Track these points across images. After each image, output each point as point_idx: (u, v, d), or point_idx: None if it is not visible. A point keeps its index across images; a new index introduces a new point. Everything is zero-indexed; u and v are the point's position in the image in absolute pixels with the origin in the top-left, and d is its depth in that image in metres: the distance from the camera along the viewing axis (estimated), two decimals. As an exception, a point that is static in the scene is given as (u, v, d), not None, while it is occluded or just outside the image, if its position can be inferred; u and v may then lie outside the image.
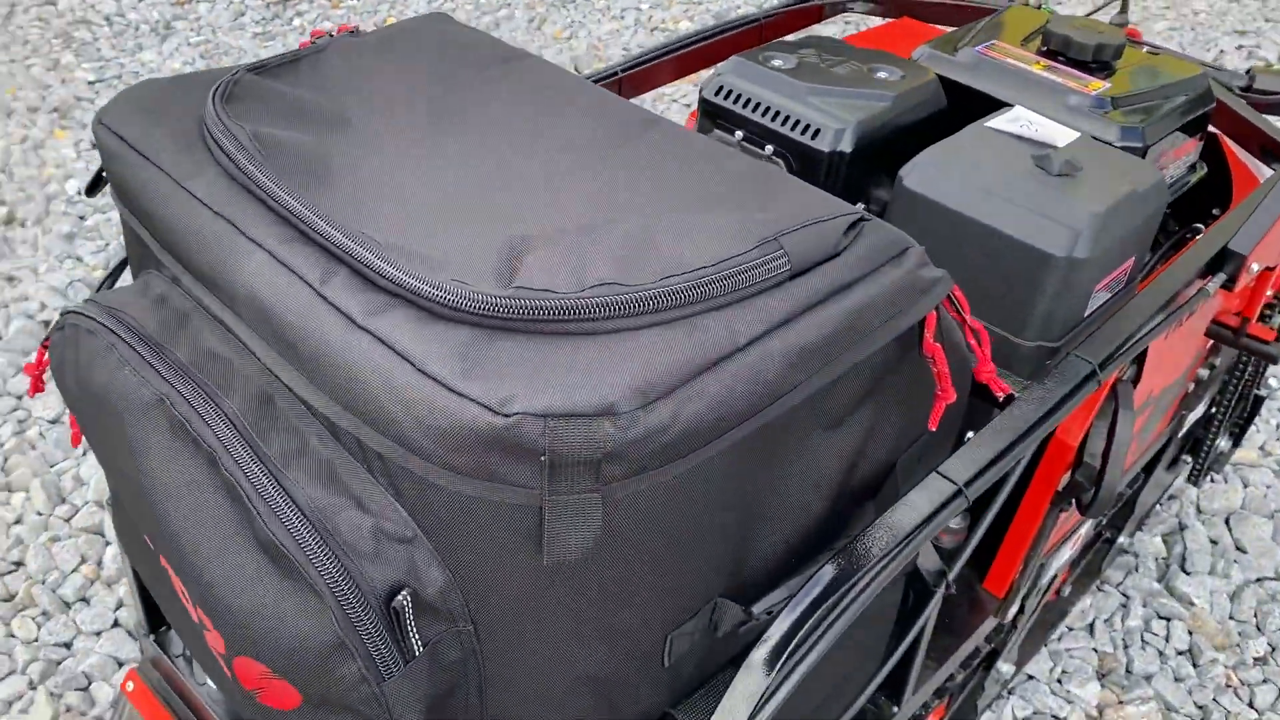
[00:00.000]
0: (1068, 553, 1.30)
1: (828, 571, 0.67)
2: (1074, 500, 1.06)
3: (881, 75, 1.03)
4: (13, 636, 1.47)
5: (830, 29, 2.95)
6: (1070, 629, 1.61)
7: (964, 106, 1.06)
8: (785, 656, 0.64)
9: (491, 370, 0.52)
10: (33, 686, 1.41)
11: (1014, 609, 1.18)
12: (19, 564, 1.58)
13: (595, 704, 0.64)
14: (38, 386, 0.76)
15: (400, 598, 0.54)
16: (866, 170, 0.98)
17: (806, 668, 0.64)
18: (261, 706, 0.61)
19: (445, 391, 0.51)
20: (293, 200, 0.61)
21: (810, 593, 0.66)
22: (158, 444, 0.61)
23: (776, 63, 1.03)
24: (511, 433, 0.50)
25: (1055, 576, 1.32)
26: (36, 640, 1.47)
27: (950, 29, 1.24)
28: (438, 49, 0.83)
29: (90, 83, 2.86)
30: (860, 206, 0.74)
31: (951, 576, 0.91)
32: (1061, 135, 0.95)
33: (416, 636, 0.56)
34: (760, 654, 0.64)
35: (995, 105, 1.03)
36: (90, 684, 1.42)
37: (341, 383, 0.55)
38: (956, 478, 0.74)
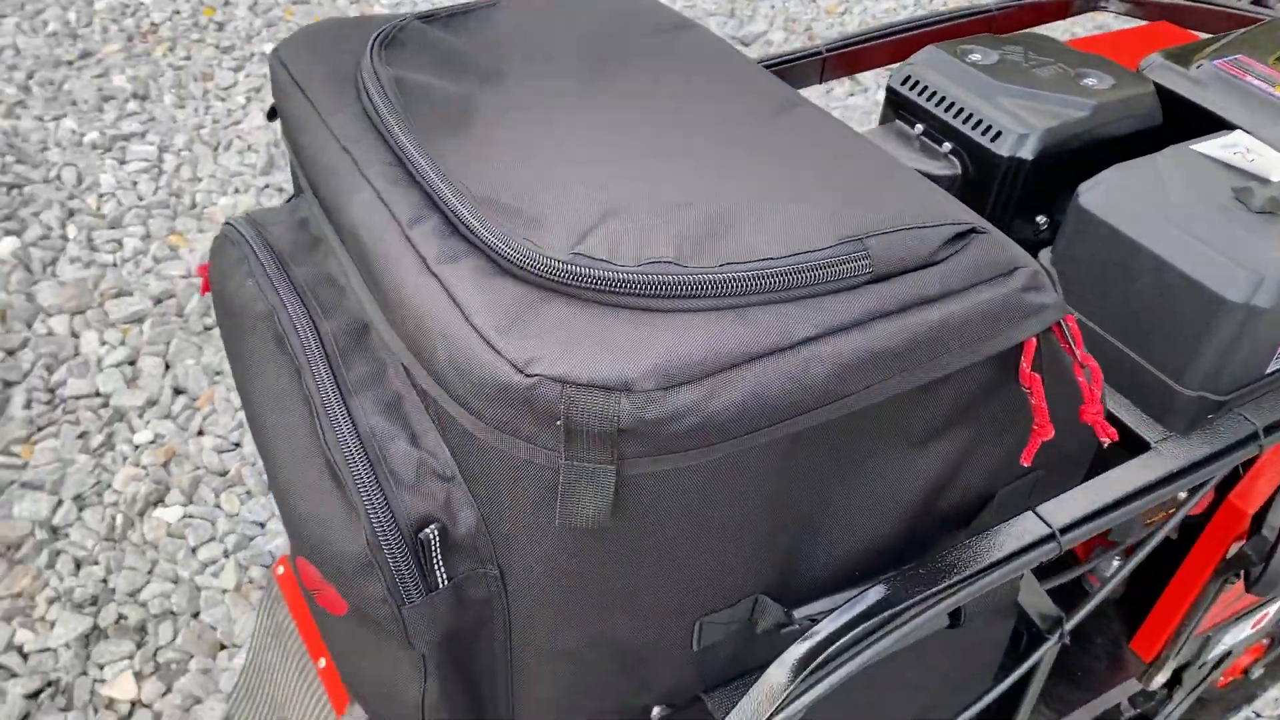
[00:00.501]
0: (1249, 630, 1.18)
1: (878, 590, 0.65)
2: (1242, 573, 0.96)
3: (1089, 82, 0.95)
4: (219, 508, 1.65)
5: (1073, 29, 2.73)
6: (1258, 715, 1.46)
7: (1188, 125, 0.96)
8: (815, 665, 0.62)
9: (530, 330, 0.53)
10: (226, 555, 1.58)
11: (1162, 676, 1.08)
12: (237, 445, 1.76)
13: (617, 669, 0.64)
14: (207, 287, 0.84)
15: (429, 530, 0.57)
16: (1050, 182, 0.91)
17: (837, 679, 0.62)
18: (319, 608, 0.66)
19: (482, 344, 0.53)
20: (409, 144, 0.64)
21: (855, 607, 0.64)
22: (261, 352, 0.67)
23: (974, 57, 0.97)
24: (531, 393, 0.51)
25: (1230, 653, 1.20)
26: (237, 515, 1.64)
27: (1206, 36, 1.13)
28: (607, 14, 0.84)
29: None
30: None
31: (1068, 627, 0.85)
32: None
33: (441, 570, 0.58)
34: (792, 655, 0.63)
35: (1224, 127, 0.93)
36: (271, 562, 1.57)
37: (409, 323, 0.58)
38: (1053, 521, 0.69)
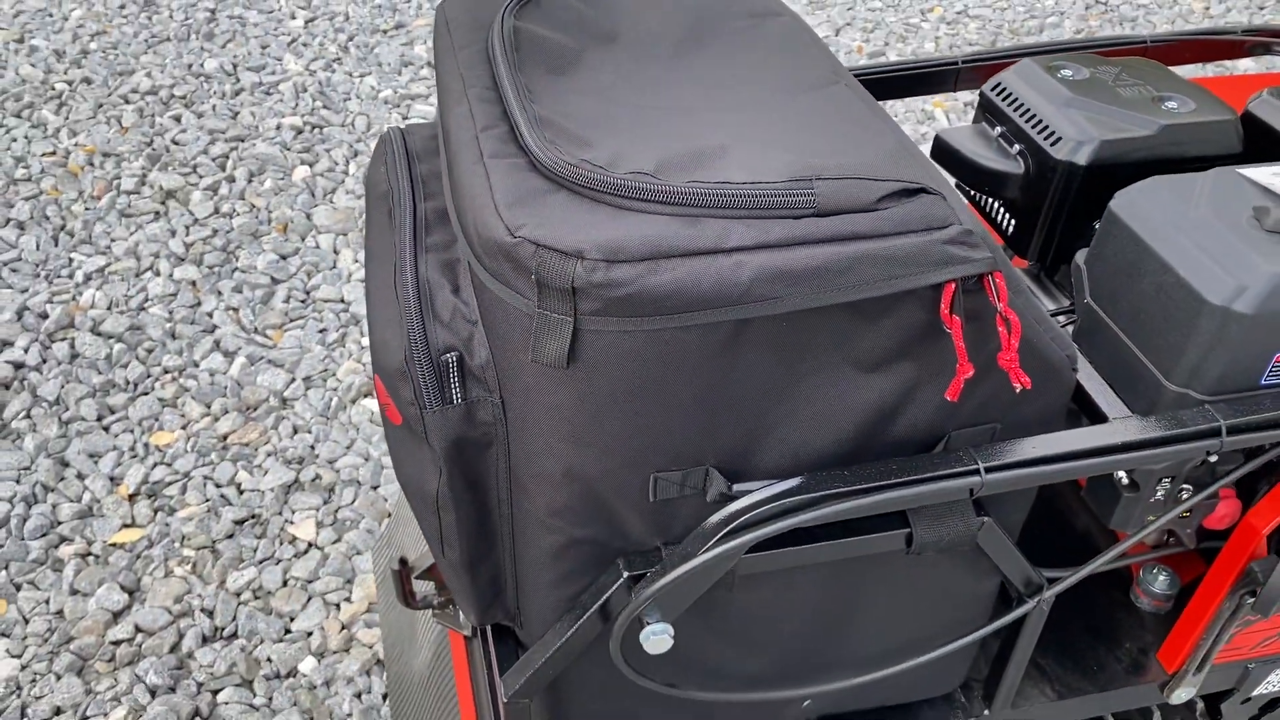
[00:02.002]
0: None
1: (803, 479, 0.77)
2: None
3: (1169, 105, 1.01)
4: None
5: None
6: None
7: (1276, 157, 1.00)
8: (735, 525, 0.76)
9: (530, 208, 0.71)
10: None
11: (1184, 692, 1.11)
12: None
13: (591, 503, 0.80)
14: None
15: (449, 355, 0.76)
16: (1106, 190, 0.98)
17: (749, 538, 0.75)
18: (387, 420, 0.87)
19: (493, 212, 0.71)
20: (504, 73, 0.84)
21: (777, 488, 0.77)
22: (376, 221, 0.88)
23: (1065, 72, 1.05)
24: (514, 250, 0.69)
25: None
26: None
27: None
28: None
29: None
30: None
31: (1048, 594, 0.93)
32: None
33: (457, 389, 0.77)
34: (719, 514, 0.77)
35: None
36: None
37: (460, 199, 0.77)
38: (981, 458, 0.78)
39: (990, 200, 1.08)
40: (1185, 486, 0.94)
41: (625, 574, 0.82)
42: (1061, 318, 1.02)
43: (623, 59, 0.91)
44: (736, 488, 0.80)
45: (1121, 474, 0.93)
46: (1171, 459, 0.83)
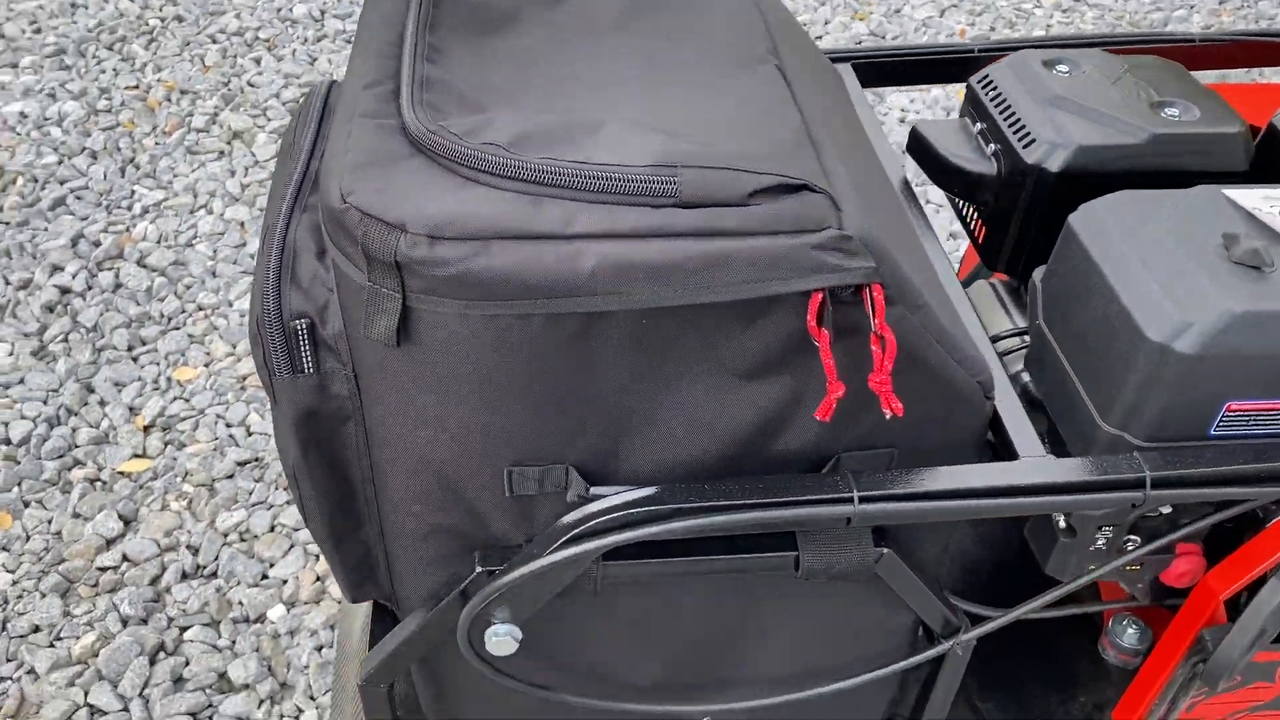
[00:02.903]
0: None
1: (658, 490, 0.71)
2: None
3: (1169, 112, 0.90)
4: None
5: None
6: None
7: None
8: (581, 531, 0.71)
9: (373, 173, 0.66)
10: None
11: None
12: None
13: (446, 490, 0.76)
14: None
15: (298, 322, 0.72)
16: (1081, 201, 0.88)
17: (593, 547, 0.70)
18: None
19: (336, 175, 0.67)
20: (410, 29, 0.79)
21: (627, 496, 0.71)
22: (277, 176, 0.85)
23: (1061, 68, 0.95)
24: (343, 216, 0.65)
25: None
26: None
27: None
28: None
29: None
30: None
31: (964, 638, 0.86)
32: None
33: (308, 358, 0.73)
34: (569, 518, 0.72)
35: None
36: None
37: (324, 159, 0.73)
38: (859, 485, 0.71)
39: (964, 204, 0.99)
40: (1131, 538, 0.84)
41: (479, 568, 0.78)
42: (1016, 339, 0.93)
43: (561, 24, 0.85)
44: (594, 491, 0.74)
45: (1060, 517, 0.84)
46: (1089, 508, 0.74)
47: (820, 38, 3.18)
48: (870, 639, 0.90)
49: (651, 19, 0.86)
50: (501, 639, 0.76)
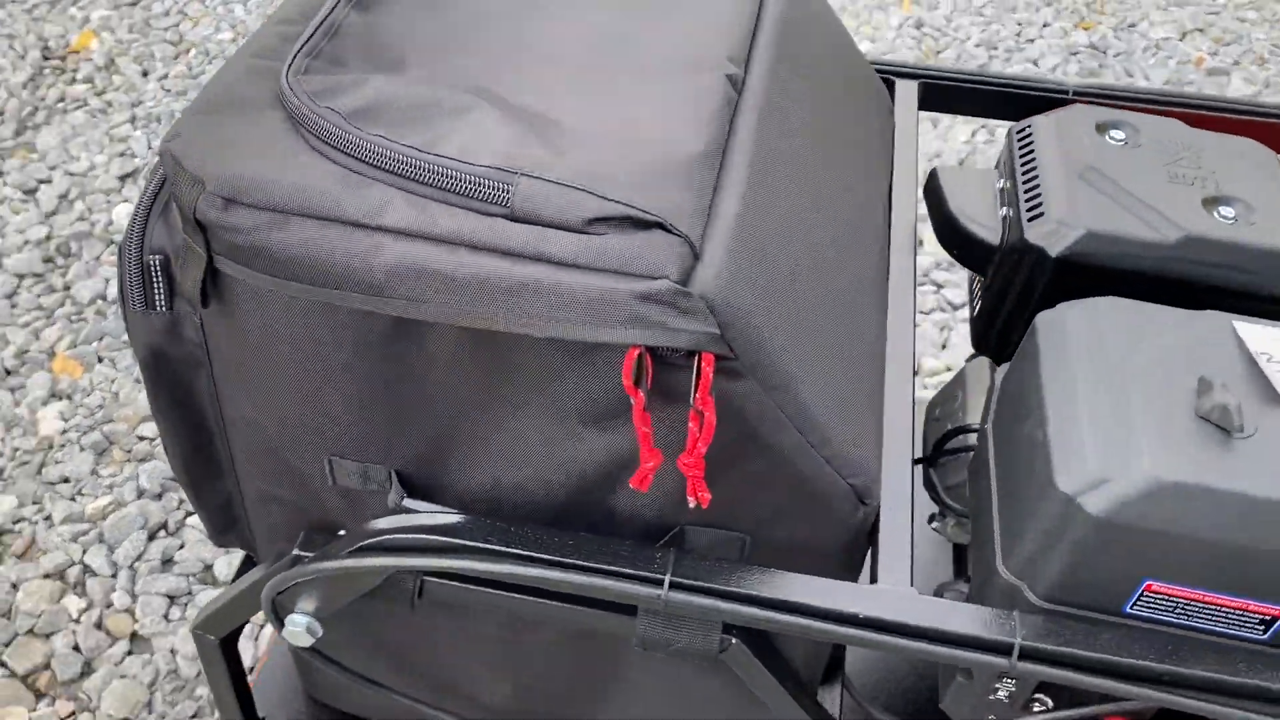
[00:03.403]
0: None
1: (455, 519, 0.65)
2: None
3: (1222, 211, 0.74)
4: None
5: None
6: None
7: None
8: (359, 546, 0.65)
9: (214, 119, 0.62)
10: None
11: None
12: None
13: (274, 461, 0.72)
14: None
15: (153, 258, 0.69)
16: (1079, 294, 0.74)
17: (375, 565, 0.65)
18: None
19: (184, 113, 0.63)
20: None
21: (419, 519, 0.65)
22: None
23: (1116, 133, 0.80)
24: (162, 158, 0.60)
25: None
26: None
27: None
28: None
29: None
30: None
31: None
32: None
33: (162, 297, 0.70)
34: (365, 527, 0.66)
35: None
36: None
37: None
38: (665, 569, 0.62)
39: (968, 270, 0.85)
40: (1039, 697, 0.71)
41: (295, 550, 0.73)
42: (974, 437, 0.80)
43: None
44: (407, 502, 0.68)
45: None
46: (944, 660, 0.62)
47: (1032, 40, 2.92)
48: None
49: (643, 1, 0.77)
50: (297, 630, 0.72)
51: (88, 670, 1.37)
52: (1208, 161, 0.78)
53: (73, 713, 1.33)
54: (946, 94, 1.02)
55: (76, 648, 1.39)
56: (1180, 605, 0.61)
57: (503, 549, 0.63)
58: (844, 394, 0.65)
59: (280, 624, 0.73)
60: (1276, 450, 0.58)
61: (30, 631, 1.40)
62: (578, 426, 0.64)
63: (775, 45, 0.76)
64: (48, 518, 1.53)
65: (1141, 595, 0.61)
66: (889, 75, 1.01)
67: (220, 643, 0.82)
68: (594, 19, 0.74)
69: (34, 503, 1.55)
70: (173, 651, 1.39)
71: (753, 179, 0.64)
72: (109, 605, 1.43)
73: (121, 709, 1.33)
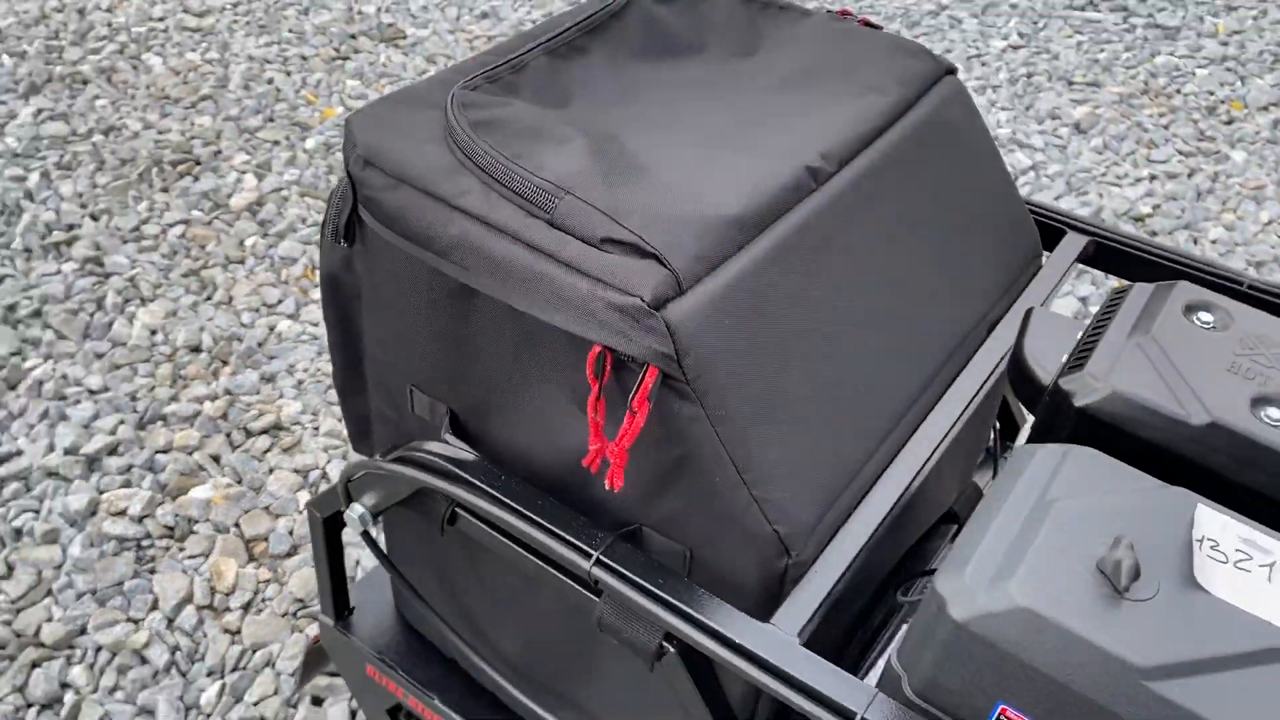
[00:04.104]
0: None
1: (467, 456, 0.79)
2: None
3: (1269, 413, 0.72)
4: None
5: None
6: None
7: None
8: (400, 455, 0.81)
9: (402, 104, 0.82)
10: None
11: None
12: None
13: (382, 383, 0.90)
14: None
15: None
16: (1103, 448, 0.75)
17: (403, 473, 0.80)
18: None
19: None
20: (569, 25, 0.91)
21: (444, 449, 0.80)
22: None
23: (1203, 315, 0.80)
24: (345, 125, 0.81)
25: None
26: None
27: None
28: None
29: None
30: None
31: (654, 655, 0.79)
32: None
33: (344, 233, 0.91)
34: (406, 446, 0.83)
35: None
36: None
37: None
38: (597, 543, 0.72)
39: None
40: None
41: (376, 455, 0.91)
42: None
43: (724, 76, 0.92)
44: (446, 436, 0.84)
45: None
46: (802, 710, 0.67)
47: None
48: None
49: (816, 85, 0.89)
50: (354, 516, 0.89)
51: (292, 552, 1.65)
52: (1287, 363, 0.76)
53: (268, 580, 1.61)
54: (1116, 256, 1.03)
55: (291, 533, 1.67)
56: (1029, 742, 0.62)
57: (487, 488, 0.77)
58: (802, 460, 0.72)
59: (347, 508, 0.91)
60: (1159, 623, 0.59)
61: (266, 509, 1.71)
62: (577, 411, 0.76)
63: (892, 152, 0.85)
64: (316, 428, 1.85)
65: (998, 718, 0.63)
66: (1060, 224, 1.04)
67: (324, 521, 1.01)
68: (744, 104, 0.87)
69: (312, 413, 1.88)
70: (357, 562, 1.63)
71: (784, 252, 0.74)
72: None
73: (301, 590, 1.59)
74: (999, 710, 0.63)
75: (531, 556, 0.81)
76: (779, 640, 0.68)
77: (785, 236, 0.75)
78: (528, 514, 0.75)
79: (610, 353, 0.68)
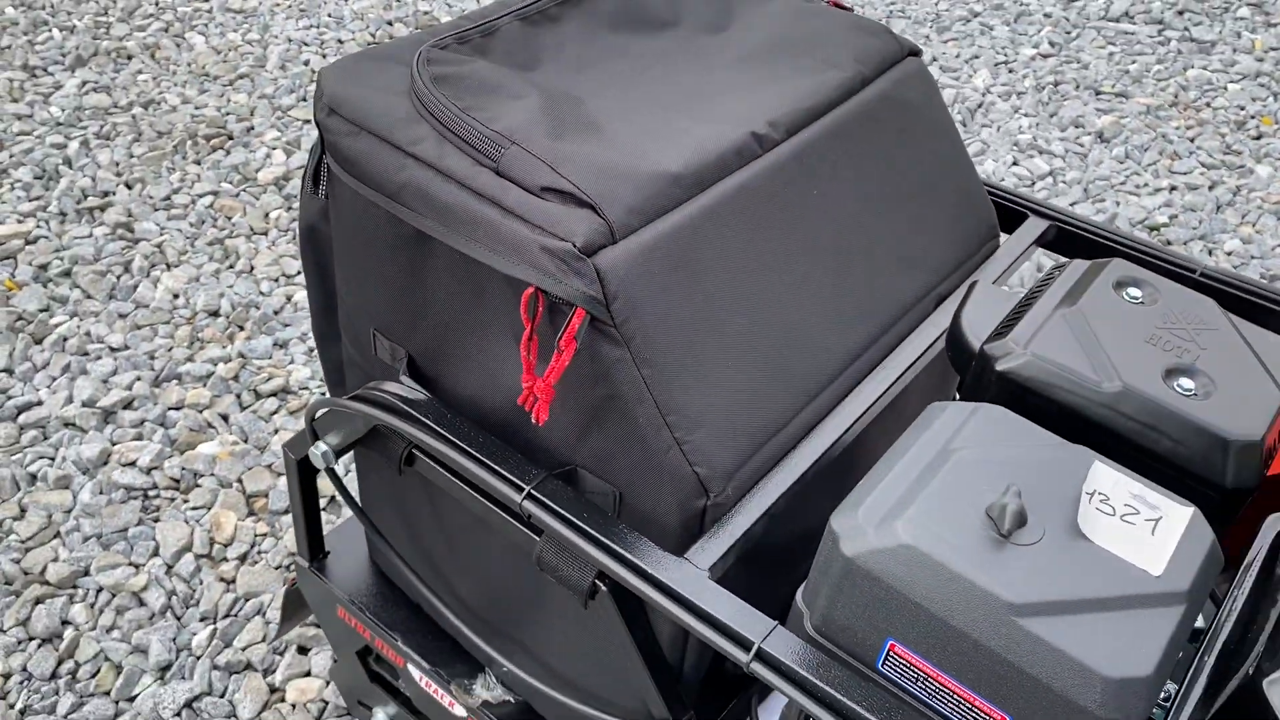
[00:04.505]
0: None
1: (418, 396, 0.83)
2: None
3: (1181, 383, 0.74)
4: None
5: None
6: None
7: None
8: (356, 394, 0.86)
9: (372, 59, 0.87)
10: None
11: None
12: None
13: (350, 328, 0.95)
14: None
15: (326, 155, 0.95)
16: (1022, 410, 0.77)
17: (360, 409, 0.85)
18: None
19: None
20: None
21: (398, 389, 0.84)
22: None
23: (1132, 291, 0.82)
24: (318, 76, 0.85)
25: None
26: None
27: None
28: None
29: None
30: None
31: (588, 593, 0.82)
32: (1168, 521, 0.63)
33: (322, 185, 0.95)
34: (366, 386, 0.87)
35: None
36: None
37: None
38: (529, 478, 0.76)
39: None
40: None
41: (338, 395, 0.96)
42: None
43: (688, 51, 0.96)
44: (403, 378, 0.88)
45: None
46: (698, 633, 0.70)
47: None
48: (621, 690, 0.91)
49: (777, 61, 0.92)
50: (316, 454, 0.93)
51: (289, 510, 1.71)
52: (1208, 341, 0.78)
53: (265, 534, 1.66)
54: (1074, 241, 1.05)
55: (291, 490, 1.73)
56: (921, 679, 0.65)
57: (434, 425, 0.81)
58: (725, 407, 0.75)
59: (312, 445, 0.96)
60: (1037, 565, 0.62)
61: (269, 467, 1.77)
62: (519, 354, 0.80)
63: (843, 126, 0.88)
64: (323, 393, 1.91)
65: (888, 655, 0.66)
66: (1022, 208, 1.07)
67: (298, 464, 1.06)
68: (705, 76, 0.90)
69: (320, 379, 1.94)
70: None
71: (723, 211, 0.77)
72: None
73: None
74: (888, 645, 0.66)
75: (477, 495, 0.85)
76: (690, 574, 0.72)
77: (724, 196, 0.78)
78: (468, 450, 0.79)
79: (542, 294, 0.72)
